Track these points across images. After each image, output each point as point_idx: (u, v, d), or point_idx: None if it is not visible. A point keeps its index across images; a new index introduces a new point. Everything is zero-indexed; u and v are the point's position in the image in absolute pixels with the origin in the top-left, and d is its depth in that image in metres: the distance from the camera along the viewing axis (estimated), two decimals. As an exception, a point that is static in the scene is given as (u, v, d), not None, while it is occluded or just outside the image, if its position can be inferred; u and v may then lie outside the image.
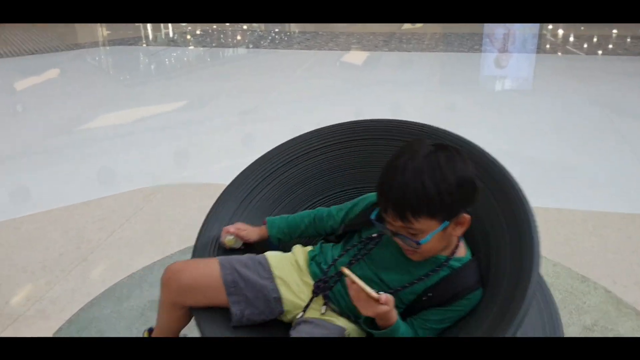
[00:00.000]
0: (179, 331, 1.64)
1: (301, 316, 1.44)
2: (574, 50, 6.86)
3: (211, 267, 1.46)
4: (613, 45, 7.22)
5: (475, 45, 7.19)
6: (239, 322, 1.42)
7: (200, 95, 5.16)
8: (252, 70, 6.27)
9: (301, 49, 7.10)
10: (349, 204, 1.59)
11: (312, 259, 1.52)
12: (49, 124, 4.39)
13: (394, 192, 1.24)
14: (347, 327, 1.40)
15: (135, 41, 7.86)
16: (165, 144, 3.92)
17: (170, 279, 1.47)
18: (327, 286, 1.43)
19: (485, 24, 8.81)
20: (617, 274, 2.28)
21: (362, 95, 5.04)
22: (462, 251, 1.40)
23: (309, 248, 1.58)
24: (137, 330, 2.06)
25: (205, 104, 4.91)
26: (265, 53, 7.04)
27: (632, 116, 4.29)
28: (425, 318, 1.35)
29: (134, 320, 2.11)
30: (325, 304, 1.43)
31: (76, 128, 4.35)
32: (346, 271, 1.23)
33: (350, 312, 1.41)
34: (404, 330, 1.30)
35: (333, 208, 1.61)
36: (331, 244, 1.56)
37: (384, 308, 1.22)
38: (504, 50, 7.15)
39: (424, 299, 1.35)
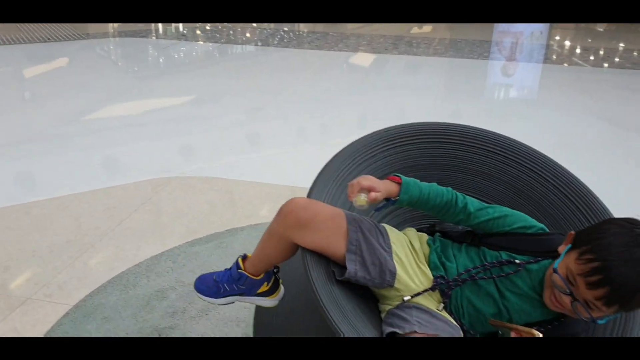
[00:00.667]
0: (276, 263, 1.66)
1: (408, 299, 1.42)
2: (580, 62, 6.90)
3: (338, 216, 1.43)
4: (620, 59, 7.25)
5: (485, 52, 7.23)
6: (348, 280, 1.41)
7: (208, 91, 5.19)
8: (260, 68, 6.30)
9: (311, 48, 7.14)
10: (492, 211, 1.50)
11: (433, 250, 1.51)
12: (58, 112, 4.42)
13: (624, 287, 1.19)
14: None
15: (145, 34, 7.89)
16: (173, 137, 3.95)
17: (292, 212, 1.43)
18: (448, 286, 1.43)
19: (495, 32, 8.85)
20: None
21: (369, 97, 5.08)
22: None
23: (425, 236, 1.57)
24: (142, 319, 2.09)
25: (213, 100, 4.94)
26: (274, 52, 7.07)
27: (637, 131, 4.32)
28: None
29: (141, 309, 2.14)
30: (444, 302, 1.44)
31: (85, 117, 4.38)
32: (495, 322, 1.28)
33: (457, 315, 1.43)
34: None
35: (470, 203, 1.50)
36: (450, 241, 1.54)
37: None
38: (512, 59, 7.19)
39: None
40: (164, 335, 2.00)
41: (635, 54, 7.52)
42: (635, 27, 9.59)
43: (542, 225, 1.48)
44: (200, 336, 2.01)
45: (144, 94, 5.09)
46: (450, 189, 1.53)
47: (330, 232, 1.41)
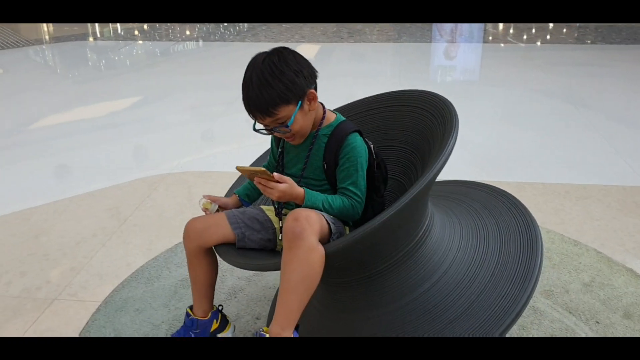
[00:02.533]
0: (212, 284, 1.87)
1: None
2: (514, 40, 7.25)
3: (218, 214, 1.80)
4: (550, 36, 7.67)
5: (429, 35, 7.51)
6: (243, 243, 1.75)
7: (165, 88, 5.17)
8: (220, 62, 6.32)
9: (268, 41, 7.23)
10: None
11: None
12: (15, 118, 4.33)
13: (252, 100, 1.58)
14: None
15: (82, 37, 7.75)
16: (146, 135, 3.96)
17: (188, 230, 1.77)
18: (279, 208, 1.80)
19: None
20: (604, 237, 2.54)
21: (324, 84, 5.19)
22: (330, 119, 1.76)
23: None
24: (173, 307, 2.14)
25: (168, 96, 4.92)
26: (225, 46, 7.10)
27: (583, 99, 4.63)
28: (340, 186, 1.69)
29: (170, 298, 2.20)
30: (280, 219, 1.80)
31: (43, 122, 4.32)
32: (238, 167, 1.58)
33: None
34: (321, 198, 1.63)
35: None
36: None
37: (282, 186, 1.55)
38: (453, 41, 7.48)
39: (325, 169, 1.71)
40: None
41: (564, 30, 7.96)
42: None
43: None
44: (234, 316, 2.09)
45: (102, 96, 5.01)
46: None
47: (218, 226, 1.75)
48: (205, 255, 1.81)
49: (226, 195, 2.03)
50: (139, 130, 4.09)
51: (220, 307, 1.94)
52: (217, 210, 1.87)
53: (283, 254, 1.48)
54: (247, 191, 1.94)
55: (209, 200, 1.86)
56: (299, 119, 1.64)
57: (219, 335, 1.90)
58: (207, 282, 1.86)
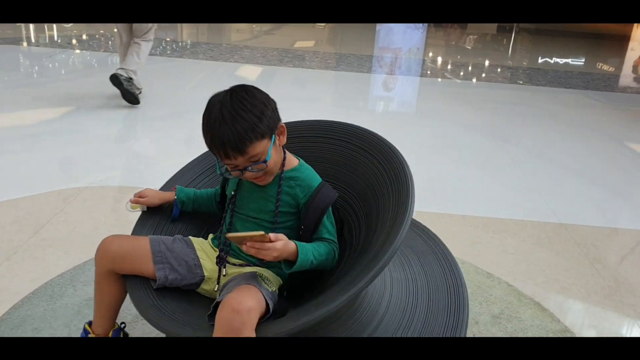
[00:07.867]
0: (118, 306, 1.78)
1: (218, 288, 1.69)
2: (451, 76, 7.45)
3: (141, 240, 1.70)
4: (485, 74, 7.92)
5: (369, 65, 7.62)
6: (163, 285, 1.66)
7: (97, 99, 5.02)
8: (158, 76, 6.20)
9: (207, 59, 7.18)
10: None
11: (216, 237, 1.82)
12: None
13: (226, 138, 1.49)
14: (256, 270, 1.64)
15: (15, 41, 7.51)
16: (71, 147, 3.82)
17: (102, 250, 1.67)
18: (223, 256, 1.71)
19: (376, 48, 9.33)
20: (516, 271, 2.60)
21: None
22: (294, 162, 1.71)
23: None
24: (75, 327, 2.04)
25: (94, 110, 4.77)
26: (163, 61, 7.00)
27: (506, 135, 4.78)
28: (315, 236, 1.64)
29: (72, 318, 2.10)
30: (220, 270, 1.70)
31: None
32: (230, 235, 1.46)
33: (257, 261, 1.66)
34: (310, 248, 1.55)
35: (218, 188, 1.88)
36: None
37: (279, 244, 1.45)
38: (391, 72, 7.62)
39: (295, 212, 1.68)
40: (102, 342, 1.99)
41: (498, 70, 8.24)
42: (497, 45, 10.52)
43: None
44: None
45: (27, 103, 4.80)
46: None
47: (137, 254, 1.67)
48: (116, 279, 1.71)
49: (162, 188, 1.96)
50: (63, 140, 3.93)
51: (122, 326, 1.86)
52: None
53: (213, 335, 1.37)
54: (185, 197, 1.89)
55: (136, 205, 1.85)
56: (273, 155, 1.59)
57: None
58: (112, 305, 1.78)
